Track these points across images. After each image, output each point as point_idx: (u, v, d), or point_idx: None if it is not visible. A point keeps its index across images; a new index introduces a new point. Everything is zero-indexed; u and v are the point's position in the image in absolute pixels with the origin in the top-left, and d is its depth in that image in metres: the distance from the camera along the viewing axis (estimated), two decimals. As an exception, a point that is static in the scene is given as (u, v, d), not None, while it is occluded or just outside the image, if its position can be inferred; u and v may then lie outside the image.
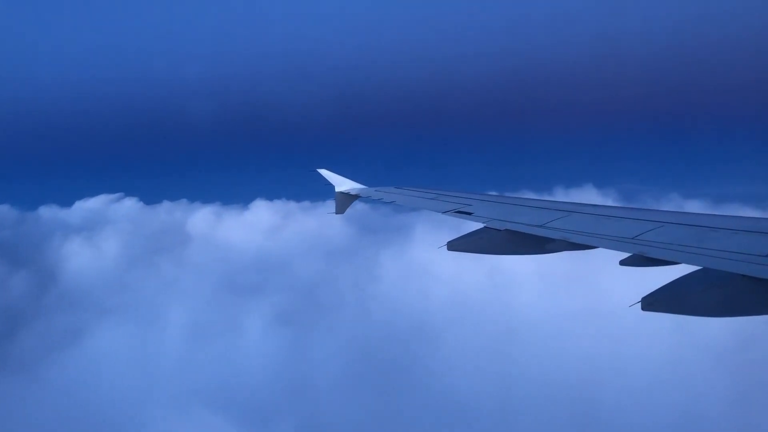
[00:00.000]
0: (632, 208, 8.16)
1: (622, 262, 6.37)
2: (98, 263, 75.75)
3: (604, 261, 6.81)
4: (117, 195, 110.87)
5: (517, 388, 43.13)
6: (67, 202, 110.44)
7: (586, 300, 47.14)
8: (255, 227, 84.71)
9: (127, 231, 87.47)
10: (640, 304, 5.59)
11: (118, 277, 70.27)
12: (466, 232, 8.49)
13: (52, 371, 48.86)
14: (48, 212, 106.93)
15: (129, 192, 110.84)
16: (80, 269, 74.13)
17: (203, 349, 51.89)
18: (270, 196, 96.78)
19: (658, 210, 7.88)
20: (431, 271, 54.41)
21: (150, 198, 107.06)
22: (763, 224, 6.35)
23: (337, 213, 14.98)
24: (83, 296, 65.66)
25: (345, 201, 14.87)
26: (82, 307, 61.74)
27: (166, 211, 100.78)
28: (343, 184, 15.27)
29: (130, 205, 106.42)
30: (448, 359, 46.96)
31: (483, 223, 8.58)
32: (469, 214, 9.32)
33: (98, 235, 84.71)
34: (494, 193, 11.31)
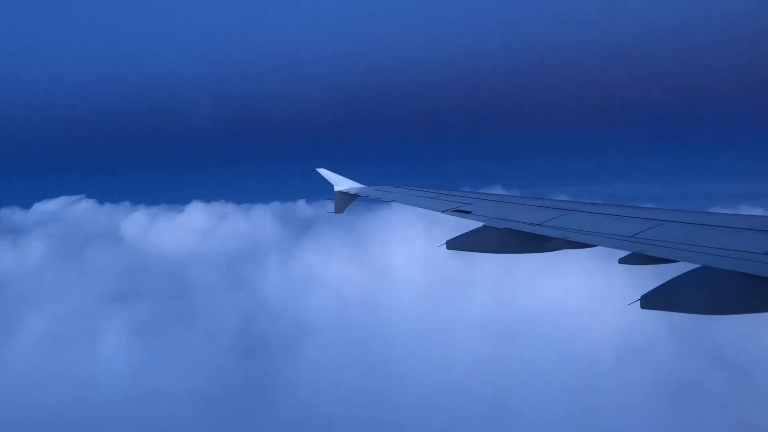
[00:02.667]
0: (631, 207, 8.17)
1: (621, 261, 6.38)
2: (5, 268, 74.47)
3: (604, 259, 6.82)
4: (78, 197, 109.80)
5: (516, 385, 43.15)
6: (29, 203, 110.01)
7: (585, 298, 47.17)
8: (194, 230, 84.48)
9: (55, 235, 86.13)
10: (639, 302, 5.60)
11: (14, 283, 68.91)
12: (465, 231, 8.51)
13: None
14: (8, 214, 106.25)
15: (91, 194, 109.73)
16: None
17: (55, 357, 50.89)
18: (266, 197, 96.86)
19: (656, 208, 7.89)
20: (432, 270, 54.40)
21: (117, 200, 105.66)
22: (762, 222, 6.36)
23: (336, 212, 14.97)
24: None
25: (344, 200, 14.87)
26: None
27: (114, 214, 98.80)
28: (342, 183, 15.26)
29: (85, 207, 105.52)
30: (445, 357, 46.96)
31: (482, 222, 8.59)
32: (469, 213, 9.33)
33: (25, 239, 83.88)
34: (494, 192, 11.32)
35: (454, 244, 8.36)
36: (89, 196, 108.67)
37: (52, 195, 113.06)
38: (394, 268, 59.83)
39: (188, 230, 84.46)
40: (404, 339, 49.51)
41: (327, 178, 15.63)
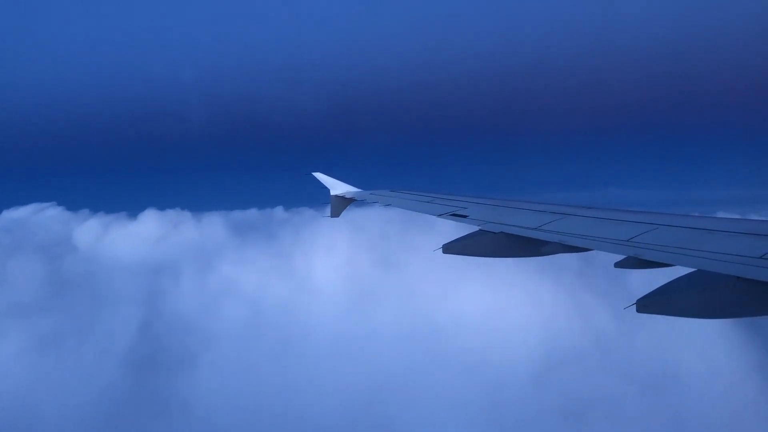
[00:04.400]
0: (627, 211, 8.17)
1: (617, 265, 6.38)
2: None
3: (599, 263, 6.83)
4: (48, 204, 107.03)
5: (510, 390, 43.16)
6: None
7: (581, 302, 47.27)
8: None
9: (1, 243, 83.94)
10: (635, 306, 5.60)
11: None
12: (461, 235, 8.50)
13: None
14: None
15: (62, 201, 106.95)
16: None
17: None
18: (263, 203, 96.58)
19: (652, 212, 7.89)
20: (427, 274, 54.43)
21: (92, 208, 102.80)
22: (757, 226, 6.38)
23: (332, 216, 15.00)
24: None
25: (340, 204, 14.90)
26: None
27: (82, 222, 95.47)
28: (338, 187, 15.30)
29: (51, 215, 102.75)
30: (441, 363, 46.95)
31: (478, 225, 8.58)
32: (465, 216, 9.33)
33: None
34: (489, 195, 11.33)
35: (449, 248, 8.35)
36: (60, 203, 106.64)
37: (25, 202, 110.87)
38: (390, 272, 59.86)
39: (144, 238, 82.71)
40: (401, 342, 49.48)
41: (323, 182, 15.65)
